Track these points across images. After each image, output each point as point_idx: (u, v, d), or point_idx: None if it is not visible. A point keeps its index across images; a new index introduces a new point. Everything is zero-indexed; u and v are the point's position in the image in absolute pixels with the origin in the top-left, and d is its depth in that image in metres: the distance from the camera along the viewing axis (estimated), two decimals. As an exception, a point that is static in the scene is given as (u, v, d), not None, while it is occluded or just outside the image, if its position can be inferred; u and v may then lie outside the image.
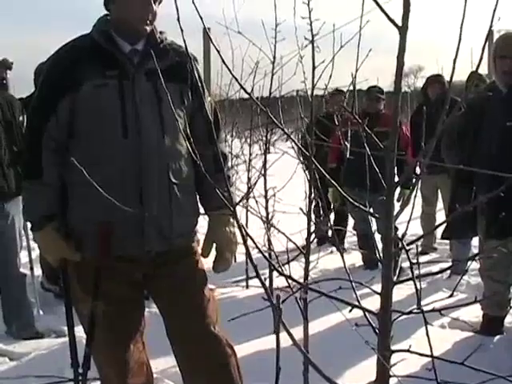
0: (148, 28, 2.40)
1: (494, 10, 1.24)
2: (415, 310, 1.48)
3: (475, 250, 5.47)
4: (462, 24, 1.27)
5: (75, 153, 2.27)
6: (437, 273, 1.65)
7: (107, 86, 2.34)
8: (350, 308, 1.54)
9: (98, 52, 2.37)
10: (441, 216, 6.57)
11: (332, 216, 6.94)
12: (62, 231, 2.42)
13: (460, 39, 1.28)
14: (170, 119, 2.36)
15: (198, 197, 2.60)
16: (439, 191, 6.42)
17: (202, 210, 2.62)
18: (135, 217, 2.27)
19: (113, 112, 2.34)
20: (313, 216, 2.23)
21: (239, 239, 1.95)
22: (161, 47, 2.44)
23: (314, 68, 1.90)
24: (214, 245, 2.61)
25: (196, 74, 2.47)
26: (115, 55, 2.38)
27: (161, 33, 2.47)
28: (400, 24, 1.23)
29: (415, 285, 1.46)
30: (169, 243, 2.45)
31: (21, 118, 4.38)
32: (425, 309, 1.47)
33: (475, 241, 4.98)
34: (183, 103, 2.46)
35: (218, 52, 1.60)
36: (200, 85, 2.46)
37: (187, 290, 2.52)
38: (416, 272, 1.47)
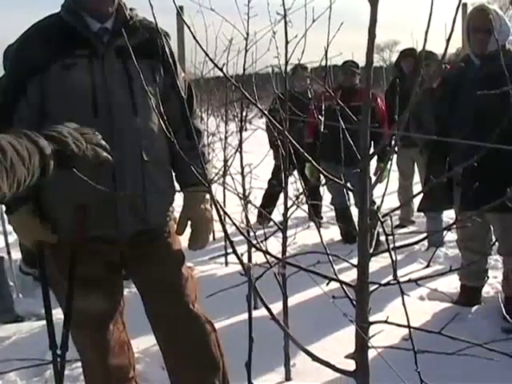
0: (111, 7, 2.36)
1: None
2: (392, 282, 1.49)
3: (450, 221, 5.52)
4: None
5: None
6: (412, 244, 1.65)
7: (77, 65, 2.30)
8: (327, 281, 1.55)
9: (67, 31, 2.33)
10: (418, 189, 6.62)
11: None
12: (37, 213, 2.40)
13: (431, 12, 1.27)
14: (141, 97, 2.34)
15: (173, 174, 2.58)
16: (415, 164, 6.46)
17: (178, 188, 2.61)
18: (109, 197, 2.25)
19: (83, 91, 2.31)
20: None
21: (215, 216, 1.94)
22: (130, 24, 2.40)
23: (286, 43, 1.90)
24: (189, 222, 2.60)
25: (168, 50, 2.43)
26: (84, 34, 2.33)
27: (131, 10, 2.43)
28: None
29: (391, 256, 1.46)
30: (144, 222, 2.43)
31: None
32: (401, 280, 1.48)
33: (448, 213, 5.02)
34: (155, 80, 2.42)
35: (191, 31, 1.58)
36: (172, 61, 2.42)
37: (165, 270, 2.51)
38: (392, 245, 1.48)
